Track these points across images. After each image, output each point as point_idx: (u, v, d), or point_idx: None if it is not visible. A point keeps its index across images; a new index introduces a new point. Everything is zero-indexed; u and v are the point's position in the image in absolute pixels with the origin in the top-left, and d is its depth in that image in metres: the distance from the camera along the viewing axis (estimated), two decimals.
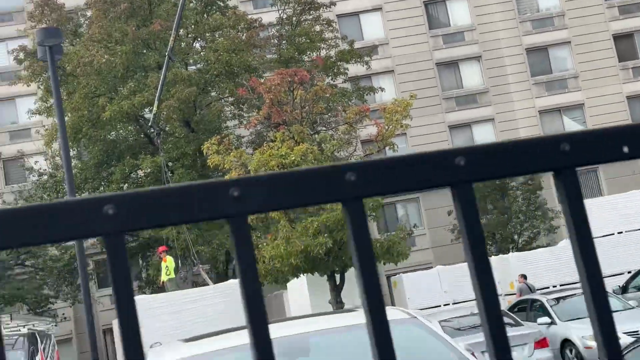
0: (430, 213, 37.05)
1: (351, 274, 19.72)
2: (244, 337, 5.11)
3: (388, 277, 29.62)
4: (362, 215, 1.11)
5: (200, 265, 24.87)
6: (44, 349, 21.86)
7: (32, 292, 28.48)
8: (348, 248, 17.35)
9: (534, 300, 18.60)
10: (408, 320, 4.80)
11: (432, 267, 29.36)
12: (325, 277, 19.92)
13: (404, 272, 28.55)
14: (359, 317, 5.06)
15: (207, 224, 27.91)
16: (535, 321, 17.05)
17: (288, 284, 23.12)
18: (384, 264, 20.28)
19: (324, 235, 18.17)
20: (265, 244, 19.44)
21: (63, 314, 32.31)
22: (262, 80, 22.75)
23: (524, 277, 22.81)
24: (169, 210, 1.02)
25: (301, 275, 19.46)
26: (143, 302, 19.95)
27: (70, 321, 33.51)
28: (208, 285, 23.04)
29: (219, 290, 20.18)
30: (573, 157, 1.14)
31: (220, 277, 27.47)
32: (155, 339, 18.90)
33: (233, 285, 20.24)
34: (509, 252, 29.04)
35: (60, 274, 28.49)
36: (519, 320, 16.51)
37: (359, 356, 4.46)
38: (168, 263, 23.75)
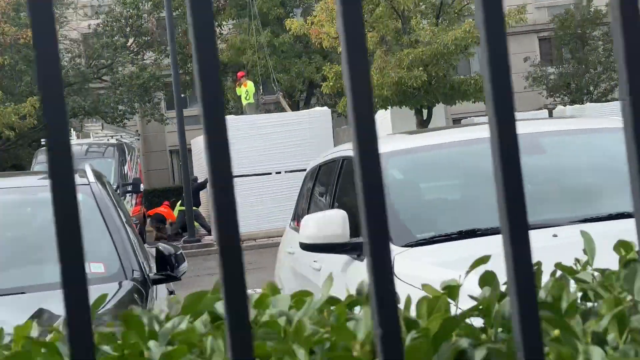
0: None
1: (438, 110, 19.76)
2: (465, 134, 5.35)
3: (456, 120, 29.58)
4: None
5: (280, 92, 25.04)
6: (130, 159, 22.68)
7: (109, 106, 29.13)
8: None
9: None
10: None
11: None
12: (413, 111, 19.97)
13: (475, 115, 28.47)
14: (586, 123, 5.20)
15: (286, 51, 27.84)
16: None
17: None
18: (474, 102, 20.18)
19: (418, 68, 18.05)
20: None
21: (137, 131, 33.18)
22: None
23: None
24: None
25: (389, 107, 19.52)
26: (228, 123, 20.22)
27: (139, 140, 34.42)
28: (286, 112, 23.32)
29: (306, 116, 20.46)
30: None
31: (294, 107, 27.68)
32: (243, 158, 19.47)
33: (318, 113, 20.49)
34: (583, 103, 28.61)
35: (137, 91, 28.96)
36: None
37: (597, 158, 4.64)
38: (248, 88, 23.94)
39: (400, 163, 4.89)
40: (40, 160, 19.83)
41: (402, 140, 5.37)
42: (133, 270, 4.36)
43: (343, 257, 4.64)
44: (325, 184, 5.95)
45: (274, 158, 19.87)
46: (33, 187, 5.07)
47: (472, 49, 18.57)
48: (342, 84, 15.82)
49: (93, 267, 4.43)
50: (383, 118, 21.21)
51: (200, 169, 23.37)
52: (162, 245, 4.76)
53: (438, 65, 18.36)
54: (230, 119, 21.15)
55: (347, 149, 5.55)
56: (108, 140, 22.43)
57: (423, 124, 20.03)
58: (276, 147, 19.68)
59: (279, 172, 20.17)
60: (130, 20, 29.64)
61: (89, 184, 4.79)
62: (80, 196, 4.46)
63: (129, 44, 30.33)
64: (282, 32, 27.55)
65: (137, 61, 30.05)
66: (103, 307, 4.16)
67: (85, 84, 28.43)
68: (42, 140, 23.02)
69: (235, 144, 19.60)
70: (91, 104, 27.78)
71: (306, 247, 4.61)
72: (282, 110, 25.36)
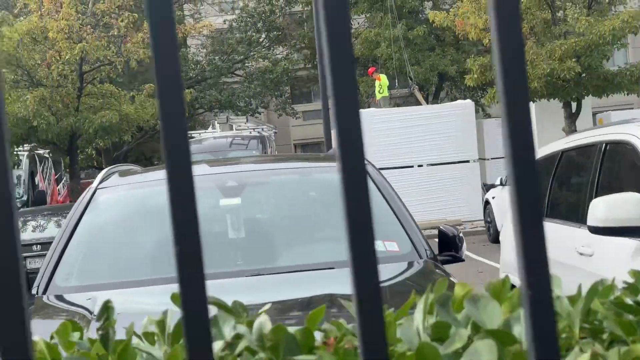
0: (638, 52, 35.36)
1: (587, 103, 19.24)
2: None
3: (593, 115, 28.80)
4: None
5: (415, 85, 24.94)
6: (270, 152, 23.10)
7: (243, 100, 29.70)
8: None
9: None
10: None
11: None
12: (561, 104, 19.53)
13: (612, 110, 27.62)
14: None
15: (420, 44, 27.73)
16: None
17: None
18: (626, 94, 19.59)
19: (571, 59, 17.63)
20: None
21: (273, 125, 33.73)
22: None
23: None
24: None
25: (536, 100, 19.16)
26: (367, 116, 20.45)
27: (276, 133, 34.90)
28: (421, 105, 23.22)
29: (449, 109, 20.37)
30: None
31: (426, 100, 27.54)
32: (384, 151, 19.52)
33: (461, 106, 20.33)
34: None
35: (270, 85, 29.41)
36: None
37: None
38: (382, 81, 23.96)
39: None
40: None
41: None
42: (425, 250, 4.34)
43: (633, 242, 4.55)
44: (578, 170, 5.84)
45: (416, 151, 19.85)
46: (311, 169, 5.17)
47: (626, 40, 18.00)
48: (487, 76, 15.59)
49: (388, 246, 4.43)
50: None
51: None
52: (444, 226, 4.76)
53: (592, 57, 17.89)
54: (372, 112, 21.20)
55: (609, 133, 5.44)
56: (250, 132, 22.89)
57: (572, 117, 19.55)
58: (418, 140, 19.67)
59: (421, 165, 20.12)
60: (263, 15, 30.12)
61: None
62: None
63: (260, 39, 30.86)
64: (416, 24, 27.45)
65: (269, 56, 30.54)
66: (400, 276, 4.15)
67: (220, 78, 29.05)
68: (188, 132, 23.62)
69: (377, 137, 19.65)
70: (227, 97, 28.38)
71: (595, 229, 4.54)
72: (415, 103, 25.25)
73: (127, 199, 4.81)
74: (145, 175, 5.26)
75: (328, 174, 4.99)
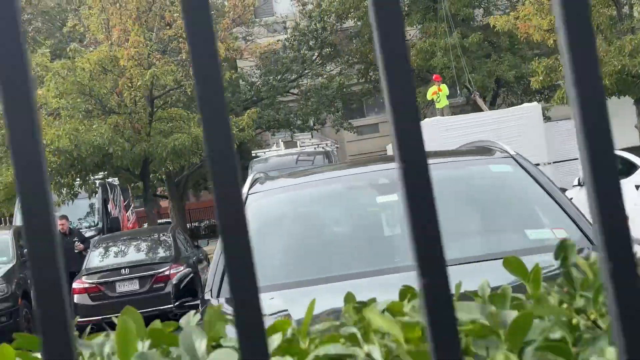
0: None
1: None
2: None
3: None
4: None
5: (476, 92, 24.78)
6: None
7: (301, 118, 29.74)
8: None
9: None
10: None
11: None
12: (632, 100, 19.23)
13: None
14: None
15: (475, 51, 27.59)
16: None
17: None
18: None
19: None
20: None
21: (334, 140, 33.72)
22: None
23: None
24: None
25: (607, 97, 18.79)
26: (434, 124, 20.37)
27: (338, 148, 34.86)
28: (483, 111, 23.05)
29: (517, 113, 20.23)
30: None
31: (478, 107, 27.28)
32: None
33: (528, 109, 20.15)
34: None
35: (326, 102, 29.42)
36: None
37: None
38: (443, 91, 23.84)
39: None
40: (256, 170, 20.44)
41: None
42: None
43: None
44: None
45: None
46: (460, 162, 5.13)
47: None
48: (552, 78, 15.41)
49: (557, 233, 4.32)
50: None
51: None
52: None
53: None
54: (439, 120, 21.12)
55: None
56: (315, 148, 22.98)
57: None
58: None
59: None
60: (316, 33, 30.19)
61: (511, 156, 4.79)
62: (509, 167, 4.35)
63: (314, 56, 30.94)
64: (470, 32, 27.29)
65: (323, 72, 30.60)
66: None
67: (276, 98, 29.16)
68: (253, 152, 23.75)
69: (445, 145, 19.48)
70: (284, 116, 28.47)
71: None
72: (472, 111, 25.08)
73: (280, 202, 4.84)
74: (291, 179, 5.32)
75: (478, 166, 4.93)
